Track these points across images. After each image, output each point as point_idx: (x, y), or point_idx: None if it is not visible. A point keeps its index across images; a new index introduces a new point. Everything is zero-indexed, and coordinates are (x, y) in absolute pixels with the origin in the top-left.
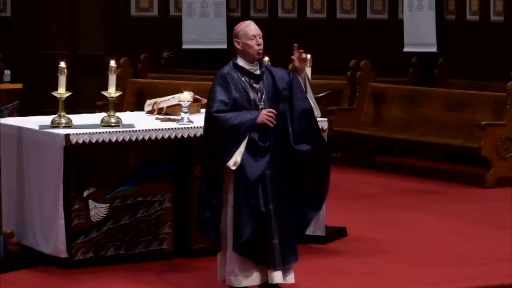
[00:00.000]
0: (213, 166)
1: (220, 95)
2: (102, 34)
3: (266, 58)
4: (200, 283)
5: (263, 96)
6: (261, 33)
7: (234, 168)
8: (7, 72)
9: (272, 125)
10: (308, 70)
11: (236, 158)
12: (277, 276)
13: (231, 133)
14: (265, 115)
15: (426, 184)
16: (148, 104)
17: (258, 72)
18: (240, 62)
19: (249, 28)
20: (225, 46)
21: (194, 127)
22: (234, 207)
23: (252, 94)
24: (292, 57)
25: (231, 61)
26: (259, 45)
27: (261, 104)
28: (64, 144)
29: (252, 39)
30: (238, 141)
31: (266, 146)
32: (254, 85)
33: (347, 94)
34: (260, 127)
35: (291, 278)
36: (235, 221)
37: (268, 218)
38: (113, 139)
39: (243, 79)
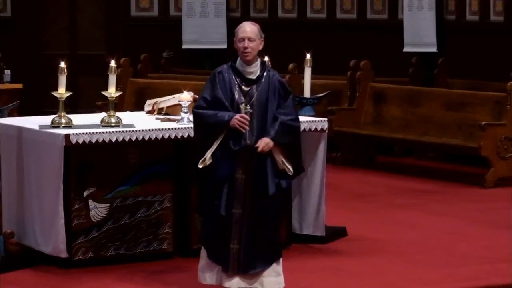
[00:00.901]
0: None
1: (205, 92)
2: (102, 34)
3: (266, 58)
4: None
5: (253, 100)
6: (254, 37)
7: (200, 166)
8: (7, 72)
9: (243, 130)
10: (308, 70)
11: (206, 156)
12: (229, 281)
13: (205, 131)
14: (237, 119)
15: (426, 184)
16: (148, 104)
17: (253, 76)
18: (238, 62)
19: (241, 29)
20: (225, 46)
21: None
22: (201, 202)
23: (237, 96)
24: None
25: (232, 60)
26: (245, 48)
27: (246, 108)
28: (64, 144)
29: (240, 41)
30: (210, 140)
31: (236, 149)
32: (243, 87)
33: (347, 94)
34: (236, 130)
35: (269, 283)
36: (201, 215)
37: (228, 222)
38: (113, 139)
39: (233, 79)
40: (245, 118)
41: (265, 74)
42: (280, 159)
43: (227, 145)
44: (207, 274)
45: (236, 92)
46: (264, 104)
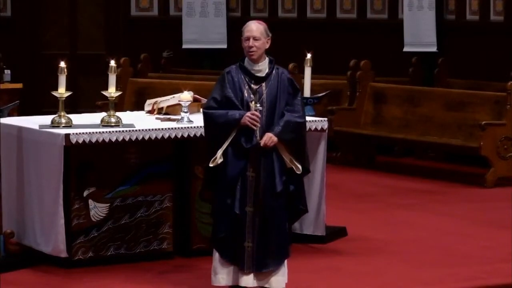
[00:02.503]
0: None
1: (215, 92)
2: (102, 34)
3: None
4: (200, 283)
5: (262, 98)
6: (259, 36)
7: (211, 165)
8: (7, 72)
9: (255, 128)
10: (308, 70)
11: (217, 155)
12: (245, 279)
13: (215, 130)
14: (248, 116)
15: (426, 184)
16: (148, 104)
17: (261, 73)
18: (246, 61)
19: (247, 28)
20: (225, 46)
21: (194, 127)
22: (213, 202)
23: (246, 94)
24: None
25: (240, 59)
26: (250, 47)
27: (256, 106)
28: (64, 144)
29: (245, 41)
30: (221, 139)
31: (247, 147)
32: (252, 85)
33: (347, 94)
34: (247, 128)
35: (276, 283)
36: (213, 216)
37: (242, 220)
38: (113, 139)
39: (242, 77)
40: (256, 115)
41: (274, 71)
42: (288, 157)
43: (238, 144)
44: (220, 275)
45: (245, 91)
46: (273, 101)
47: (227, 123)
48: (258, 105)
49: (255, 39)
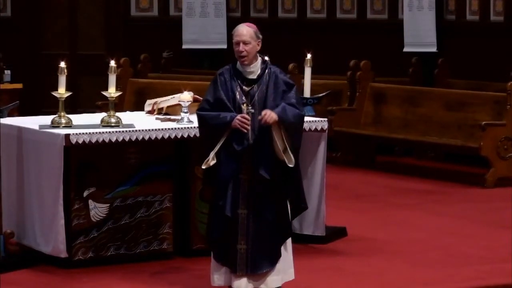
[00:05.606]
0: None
1: (208, 94)
2: (102, 34)
3: (266, 58)
4: (200, 283)
5: (254, 100)
6: (248, 40)
7: (204, 167)
8: (7, 72)
9: (245, 131)
10: (308, 70)
11: (209, 157)
12: (237, 283)
13: (208, 132)
14: (238, 119)
15: (426, 184)
16: (148, 104)
17: (253, 75)
18: (238, 62)
19: (236, 33)
20: (225, 46)
21: (194, 127)
22: (210, 204)
23: (238, 96)
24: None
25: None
26: (240, 52)
27: (248, 108)
28: (64, 144)
29: (236, 45)
30: (213, 141)
31: (239, 150)
32: (244, 87)
33: (347, 94)
34: (239, 131)
35: (272, 282)
36: (208, 217)
37: (234, 223)
38: (113, 139)
39: (234, 79)
40: (246, 118)
41: (266, 72)
42: (282, 145)
43: (230, 146)
44: (215, 275)
45: (237, 93)
46: (265, 103)
47: (218, 125)
48: (250, 107)
49: (245, 43)
